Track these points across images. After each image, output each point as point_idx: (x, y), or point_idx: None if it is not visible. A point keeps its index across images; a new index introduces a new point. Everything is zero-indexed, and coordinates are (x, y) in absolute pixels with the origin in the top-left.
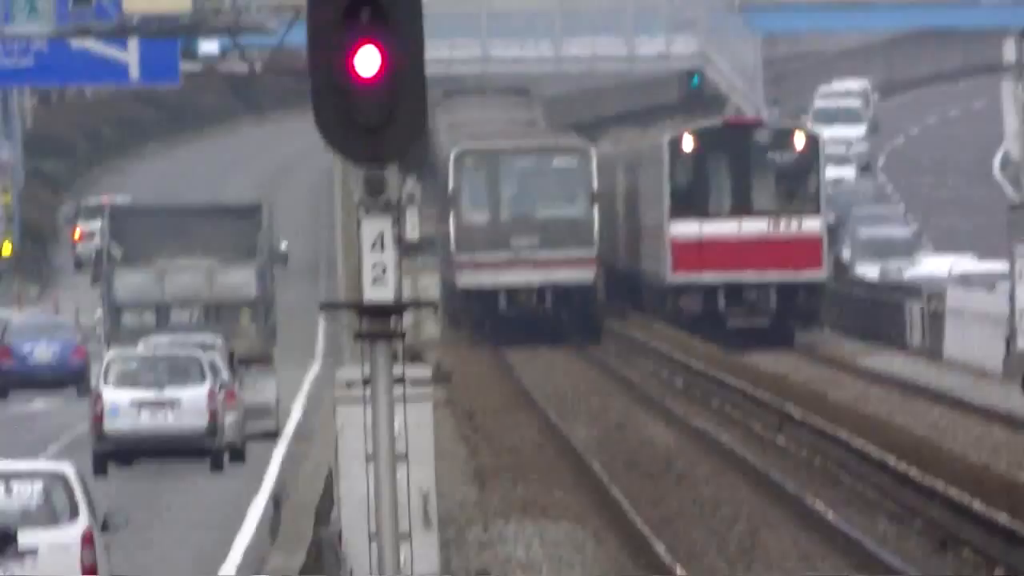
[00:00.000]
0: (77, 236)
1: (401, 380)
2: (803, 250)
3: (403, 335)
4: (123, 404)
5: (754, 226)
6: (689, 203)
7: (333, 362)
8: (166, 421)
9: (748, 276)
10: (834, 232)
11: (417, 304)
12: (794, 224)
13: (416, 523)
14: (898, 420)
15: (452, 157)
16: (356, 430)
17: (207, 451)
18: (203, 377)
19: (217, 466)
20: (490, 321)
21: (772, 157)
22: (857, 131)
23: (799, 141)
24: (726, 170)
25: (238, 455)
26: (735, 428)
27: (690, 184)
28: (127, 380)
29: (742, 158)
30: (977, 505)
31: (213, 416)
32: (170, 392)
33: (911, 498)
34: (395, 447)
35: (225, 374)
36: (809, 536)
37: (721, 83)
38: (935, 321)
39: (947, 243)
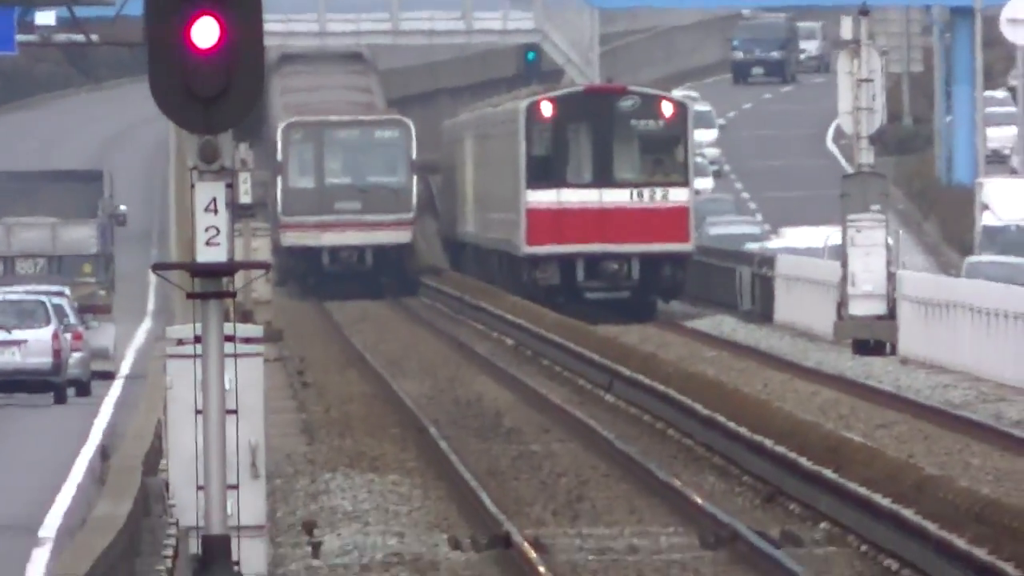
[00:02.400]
0: None
1: (232, 338)
2: (668, 221)
3: (234, 295)
4: None
5: (616, 196)
6: (547, 172)
7: (164, 320)
8: (13, 359)
9: (609, 247)
10: None
11: (248, 265)
12: (659, 194)
13: (244, 475)
14: (727, 380)
15: (280, 129)
16: (186, 384)
17: (51, 386)
18: (48, 320)
19: (60, 400)
20: (314, 278)
21: (636, 125)
22: (710, 135)
23: (666, 108)
24: (586, 138)
25: (84, 390)
26: (565, 386)
27: (548, 152)
28: None
29: (604, 126)
30: (804, 461)
31: (57, 354)
32: (17, 333)
33: (739, 454)
34: (225, 401)
35: (72, 318)
36: (637, 490)
37: (557, 57)
38: (765, 286)
39: (783, 217)
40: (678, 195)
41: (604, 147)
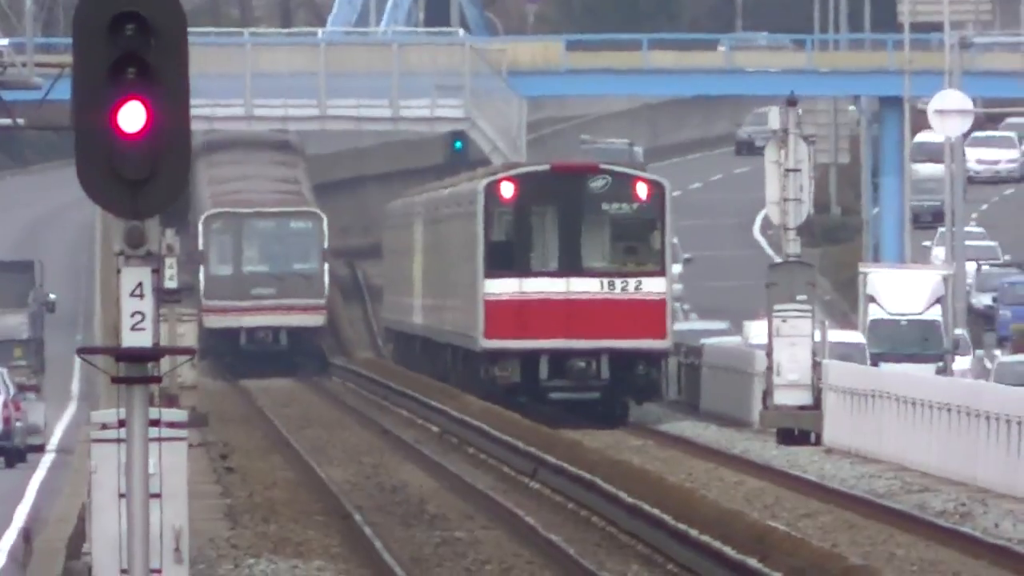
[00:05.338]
0: None
1: (156, 422)
2: (643, 314)
3: (160, 379)
4: None
5: (585, 285)
6: (508, 259)
7: (89, 404)
8: None
9: (576, 343)
10: None
11: (174, 351)
12: (632, 285)
13: (167, 559)
14: (653, 468)
15: (201, 220)
16: (110, 469)
17: (3, 451)
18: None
19: (11, 464)
20: (231, 356)
21: (608, 208)
22: None
23: (640, 190)
24: (552, 222)
25: (21, 457)
26: (490, 473)
27: (509, 237)
28: None
29: (572, 208)
30: (729, 550)
31: (7, 421)
32: None
33: (664, 542)
34: (149, 486)
35: (12, 391)
36: None
37: (484, 145)
38: (691, 375)
39: (710, 306)
40: (653, 285)
41: (572, 231)
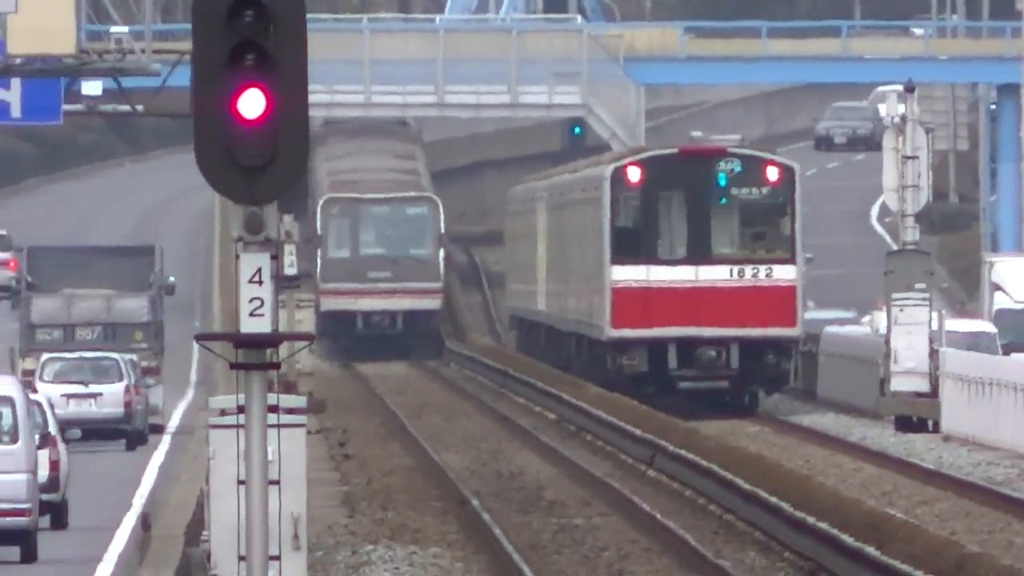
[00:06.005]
0: None
1: (275, 408)
2: (773, 302)
3: (278, 366)
4: (55, 396)
5: (714, 273)
6: (634, 246)
7: (207, 390)
8: (90, 409)
9: (705, 331)
10: None
11: (292, 337)
12: (762, 272)
13: (286, 546)
14: (769, 455)
15: (320, 205)
16: (229, 455)
17: (124, 434)
18: (121, 376)
19: (131, 447)
20: (348, 340)
21: (737, 192)
22: None
23: (771, 173)
24: (680, 207)
25: (142, 439)
26: (607, 460)
27: (636, 223)
28: (59, 377)
29: (700, 193)
30: (846, 538)
31: (128, 405)
32: (94, 387)
33: (781, 530)
34: (267, 472)
35: (134, 377)
36: (678, 564)
37: (603, 132)
38: (809, 362)
39: (828, 296)
40: (784, 273)
41: (700, 218)
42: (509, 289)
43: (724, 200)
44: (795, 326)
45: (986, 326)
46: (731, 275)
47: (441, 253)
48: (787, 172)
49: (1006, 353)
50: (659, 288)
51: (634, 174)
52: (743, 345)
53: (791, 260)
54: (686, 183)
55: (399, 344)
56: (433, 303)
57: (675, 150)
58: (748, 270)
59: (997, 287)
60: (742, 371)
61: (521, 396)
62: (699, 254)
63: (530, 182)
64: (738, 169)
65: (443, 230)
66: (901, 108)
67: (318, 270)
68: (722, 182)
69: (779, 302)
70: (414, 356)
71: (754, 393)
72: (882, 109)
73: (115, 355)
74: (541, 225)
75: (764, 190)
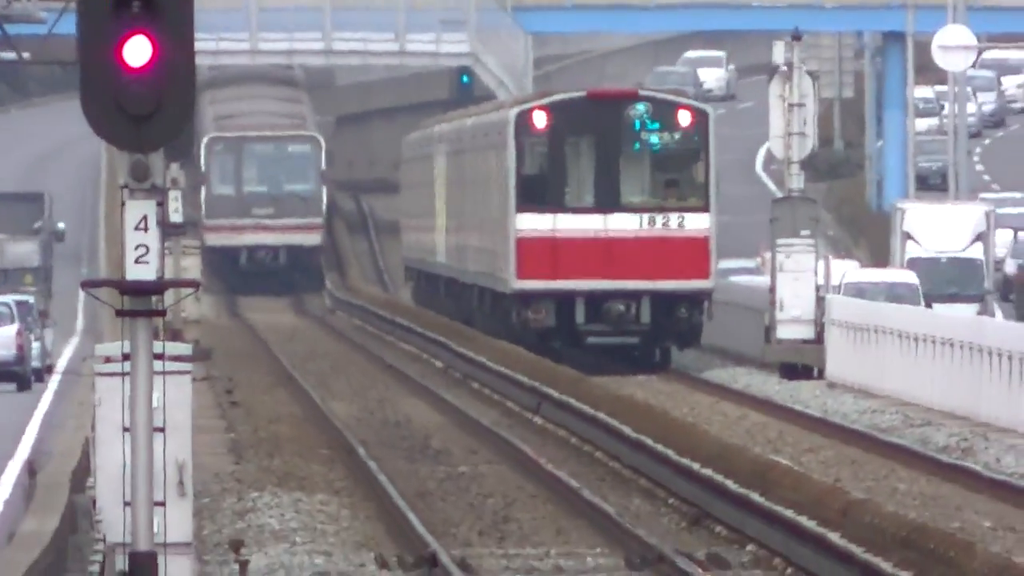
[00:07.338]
0: None
1: (160, 356)
2: (686, 253)
3: (164, 313)
4: None
5: (623, 223)
6: (541, 194)
7: (92, 337)
8: None
9: (615, 284)
10: None
11: (178, 284)
12: (674, 221)
13: (171, 493)
14: (656, 403)
15: (204, 143)
16: (114, 402)
17: (15, 376)
18: (13, 319)
19: (24, 387)
20: (232, 274)
21: (648, 137)
22: None
23: (683, 118)
24: (589, 153)
25: (39, 377)
26: (494, 408)
27: (542, 170)
28: None
29: (609, 138)
30: (731, 484)
31: (20, 348)
32: None
33: (666, 477)
34: (153, 419)
35: (28, 320)
36: (563, 511)
37: (490, 81)
38: None
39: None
40: (697, 222)
41: (609, 164)
42: (405, 239)
43: (636, 146)
44: (709, 278)
45: (908, 276)
46: (642, 224)
47: (324, 190)
48: (701, 116)
49: (928, 305)
50: (566, 238)
51: (540, 119)
52: (654, 298)
53: (705, 208)
54: (595, 128)
55: (281, 280)
56: (315, 238)
57: (583, 93)
58: (659, 219)
59: (908, 236)
60: (653, 326)
61: (410, 345)
62: (608, 202)
63: (428, 128)
64: (650, 112)
65: (324, 167)
66: (786, 55)
67: (203, 207)
68: (634, 127)
69: (692, 253)
70: (297, 292)
71: (666, 349)
72: (701, 74)
73: (7, 298)
74: (440, 172)
75: (676, 135)
